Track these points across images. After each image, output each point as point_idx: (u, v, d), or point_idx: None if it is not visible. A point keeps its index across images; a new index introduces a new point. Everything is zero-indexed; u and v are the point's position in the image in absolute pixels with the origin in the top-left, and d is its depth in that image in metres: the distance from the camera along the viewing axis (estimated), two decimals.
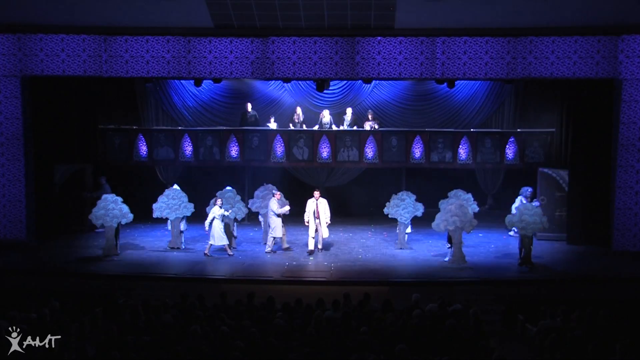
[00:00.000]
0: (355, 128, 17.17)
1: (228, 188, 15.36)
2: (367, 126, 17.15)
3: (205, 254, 14.42)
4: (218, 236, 14.30)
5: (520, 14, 14.10)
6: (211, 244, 14.41)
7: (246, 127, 17.26)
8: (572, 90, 15.75)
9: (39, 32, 14.96)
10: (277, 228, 14.52)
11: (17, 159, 15.16)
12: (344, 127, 17.23)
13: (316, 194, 14.71)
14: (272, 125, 17.33)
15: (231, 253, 14.51)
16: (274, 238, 14.62)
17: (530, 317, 10.80)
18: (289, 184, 17.77)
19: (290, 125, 17.44)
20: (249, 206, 15.52)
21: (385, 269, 13.55)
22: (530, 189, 15.82)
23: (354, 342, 8.37)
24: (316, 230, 14.61)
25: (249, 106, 17.72)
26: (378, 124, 17.29)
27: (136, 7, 14.30)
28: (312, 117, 18.18)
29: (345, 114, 17.69)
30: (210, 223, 14.32)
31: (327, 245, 15.09)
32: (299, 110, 17.68)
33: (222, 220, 14.34)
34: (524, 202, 15.16)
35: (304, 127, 17.30)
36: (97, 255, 14.40)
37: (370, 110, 17.66)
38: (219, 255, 14.56)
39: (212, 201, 14.89)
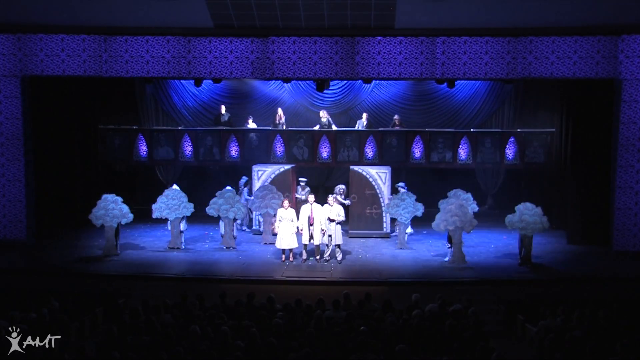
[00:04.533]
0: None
1: (228, 188, 15.36)
2: None
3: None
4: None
5: (520, 14, 14.10)
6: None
7: (246, 128, 17.26)
8: (572, 90, 15.76)
9: (39, 32, 14.97)
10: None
11: (17, 159, 15.17)
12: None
13: (310, 198, 14.36)
14: (251, 125, 17.29)
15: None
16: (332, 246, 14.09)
17: (530, 317, 10.80)
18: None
19: (272, 126, 17.43)
20: (248, 206, 15.52)
21: (385, 269, 13.54)
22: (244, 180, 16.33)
23: (354, 342, 8.37)
24: (311, 238, 14.14)
25: (223, 108, 17.70)
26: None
27: (136, 7, 14.30)
28: (312, 117, 18.18)
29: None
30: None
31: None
32: (280, 111, 17.67)
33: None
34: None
35: (284, 128, 17.25)
36: (97, 255, 14.41)
37: (397, 115, 17.57)
38: (219, 255, 14.58)
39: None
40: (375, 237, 16.07)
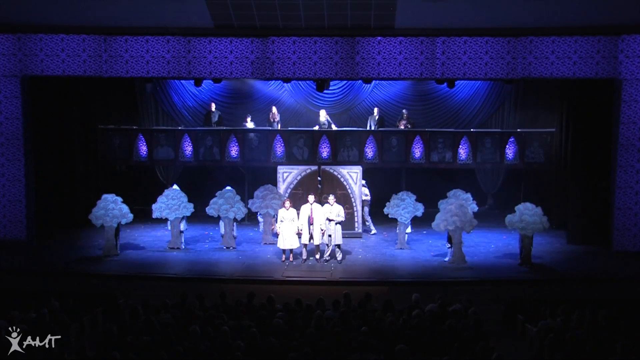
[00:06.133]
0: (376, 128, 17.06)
1: (228, 188, 15.36)
2: (402, 126, 17.07)
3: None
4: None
5: (520, 14, 14.10)
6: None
7: (246, 128, 17.24)
8: (572, 90, 15.75)
9: (39, 32, 14.96)
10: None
11: (17, 159, 15.17)
12: (373, 126, 17.12)
13: (310, 198, 14.40)
14: (249, 124, 17.26)
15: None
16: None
17: (530, 317, 10.79)
18: None
19: (267, 124, 17.40)
20: (248, 206, 15.51)
21: (385, 269, 13.55)
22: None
23: (354, 342, 8.37)
24: (311, 238, 14.19)
25: (213, 106, 17.67)
26: (411, 125, 17.23)
27: (136, 7, 14.30)
28: (312, 117, 18.17)
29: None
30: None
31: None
32: (274, 109, 17.62)
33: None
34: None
35: (279, 127, 17.23)
36: (97, 255, 14.41)
37: (404, 110, 17.54)
38: (219, 255, 14.58)
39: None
40: (347, 237, 15.74)
